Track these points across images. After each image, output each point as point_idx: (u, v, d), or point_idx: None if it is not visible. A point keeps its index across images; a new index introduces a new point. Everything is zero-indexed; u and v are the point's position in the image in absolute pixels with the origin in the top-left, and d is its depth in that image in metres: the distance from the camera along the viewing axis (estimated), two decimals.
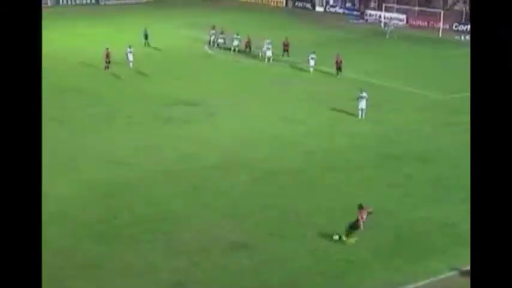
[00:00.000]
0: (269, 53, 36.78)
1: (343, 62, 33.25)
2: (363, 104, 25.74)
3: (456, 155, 21.61)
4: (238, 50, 39.96)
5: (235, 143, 23.02)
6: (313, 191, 18.59)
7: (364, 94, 25.79)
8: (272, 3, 68.30)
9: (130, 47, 35.30)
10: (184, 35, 47.23)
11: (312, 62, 33.60)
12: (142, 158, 21.32)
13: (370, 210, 15.27)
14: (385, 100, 29.31)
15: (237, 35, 40.40)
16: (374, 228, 15.65)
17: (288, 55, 37.96)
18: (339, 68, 32.87)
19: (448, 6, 55.25)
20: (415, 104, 28.78)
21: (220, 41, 41.27)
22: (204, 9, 64.44)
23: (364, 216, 15.11)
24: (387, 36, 46.10)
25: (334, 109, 27.37)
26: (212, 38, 42.17)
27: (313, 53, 33.80)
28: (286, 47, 38.26)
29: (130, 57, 35.05)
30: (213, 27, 42.88)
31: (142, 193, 18.21)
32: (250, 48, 39.53)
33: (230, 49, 39.59)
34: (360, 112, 25.94)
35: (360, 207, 15.25)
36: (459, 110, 27.01)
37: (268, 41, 37.62)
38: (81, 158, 21.06)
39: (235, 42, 40.07)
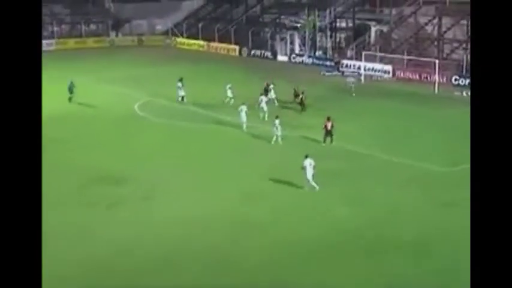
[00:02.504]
0: (243, 116, 37.41)
1: (335, 126, 34.15)
2: (309, 174, 26.81)
3: (456, 248, 21.43)
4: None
5: (178, 229, 23.24)
6: None
7: (307, 162, 26.87)
8: (222, 51, 70.81)
9: None
10: (115, 91, 48.48)
11: (277, 130, 34.46)
12: (61, 252, 21.17)
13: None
14: (364, 173, 29.84)
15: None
16: None
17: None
18: (328, 133, 33.90)
19: (445, 54, 57.34)
20: (403, 178, 29.07)
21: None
22: (137, 58, 66.29)
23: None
24: (353, 94, 46.48)
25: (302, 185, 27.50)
26: (181, 93, 44.37)
27: (277, 117, 34.81)
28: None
29: None
30: (181, 80, 45.28)
31: None
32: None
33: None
34: (306, 182, 26.92)
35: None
36: (458, 185, 27.08)
37: (243, 107, 38.37)
38: None
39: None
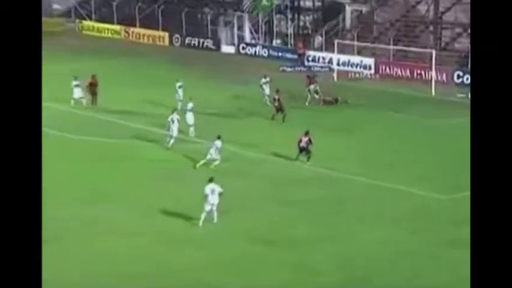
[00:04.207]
0: (173, 129, 37.76)
1: (313, 142, 35.08)
2: (209, 205, 27.83)
3: None
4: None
5: None
6: None
7: (209, 189, 27.73)
8: (146, 40, 71.04)
9: None
10: None
11: (214, 152, 34.90)
12: None
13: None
14: (343, 200, 30.59)
15: None
16: None
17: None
18: (303, 150, 35.33)
19: (444, 43, 57.82)
20: (392, 209, 29.89)
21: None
22: None
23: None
24: (306, 103, 46.75)
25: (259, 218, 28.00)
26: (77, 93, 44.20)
27: (219, 138, 35.10)
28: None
29: None
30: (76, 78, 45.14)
31: None
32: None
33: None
34: (203, 214, 27.89)
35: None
36: (463, 217, 26.68)
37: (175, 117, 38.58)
38: None
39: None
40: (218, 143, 34.68)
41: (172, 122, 37.60)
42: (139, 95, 47.48)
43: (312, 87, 46.98)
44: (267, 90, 45.69)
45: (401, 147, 38.60)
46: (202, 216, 27.78)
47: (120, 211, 29.76)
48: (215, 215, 27.90)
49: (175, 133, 37.53)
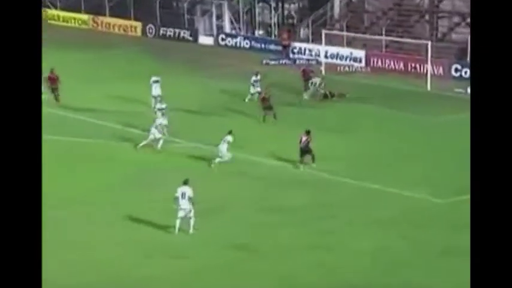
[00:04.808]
0: (155, 132, 38.04)
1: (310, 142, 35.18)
2: (185, 204, 27.72)
3: None
4: None
5: None
6: None
7: (180, 192, 27.82)
8: (117, 30, 71.13)
9: None
10: None
11: (225, 150, 35.28)
12: None
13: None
14: (331, 205, 30.86)
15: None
16: None
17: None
18: (306, 151, 35.44)
19: (441, 34, 57.88)
20: (384, 214, 30.05)
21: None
22: None
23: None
24: (305, 96, 47.39)
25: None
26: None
27: (230, 133, 35.65)
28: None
29: None
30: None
31: None
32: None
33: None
34: (178, 221, 28.00)
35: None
36: (461, 223, 27.22)
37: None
38: None
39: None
40: (229, 138, 35.33)
41: (156, 128, 37.92)
42: (108, 91, 47.59)
43: (315, 80, 47.65)
44: (258, 89, 46.07)
45: (394, 147, 38.66)
46: (177, 223, 27.85)
47: (88, 217, 29.89)
48: (191, 223, 27.92)
49: (158, 135, 37.83)
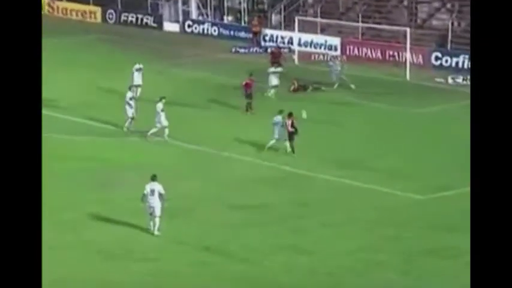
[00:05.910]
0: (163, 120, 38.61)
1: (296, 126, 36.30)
2: (154, 201, 27.64)
3: None
4: None
5: None
6: None
7: (148, 189, 27.83)
8: (75, 15, 70.49)
9: None
10: None
11: (278, 131, 36.41)
12: None
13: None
14: (306, 202, 31.02)
15: None
16: None
17: None
18: (292, 135, 36.60)
19: (420, 20, 58.02)
20: (363, 212, 30.26)
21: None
22: None
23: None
24: (269, 93, 46.69)
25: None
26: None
27: (280, 113, 36.48)
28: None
29: None
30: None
31: None
32: None
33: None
34: (151, 222, 28.16)
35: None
36: (443, 221, 28.33)
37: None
38: None
39: None
40: (279, 118, 36.23)
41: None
42: (65, 82, 46.90)
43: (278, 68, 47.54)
44: (275, 81, 45.44)
45: (372, 141, 38.87)
46: (151, 223, 27.90)
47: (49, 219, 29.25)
48: (156, 225, 27.84)
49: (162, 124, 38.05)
